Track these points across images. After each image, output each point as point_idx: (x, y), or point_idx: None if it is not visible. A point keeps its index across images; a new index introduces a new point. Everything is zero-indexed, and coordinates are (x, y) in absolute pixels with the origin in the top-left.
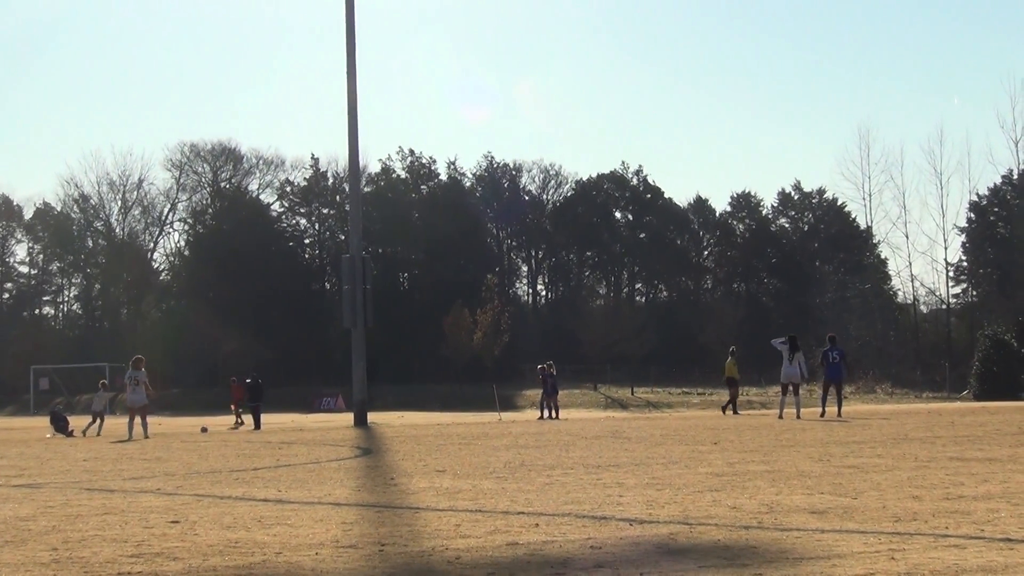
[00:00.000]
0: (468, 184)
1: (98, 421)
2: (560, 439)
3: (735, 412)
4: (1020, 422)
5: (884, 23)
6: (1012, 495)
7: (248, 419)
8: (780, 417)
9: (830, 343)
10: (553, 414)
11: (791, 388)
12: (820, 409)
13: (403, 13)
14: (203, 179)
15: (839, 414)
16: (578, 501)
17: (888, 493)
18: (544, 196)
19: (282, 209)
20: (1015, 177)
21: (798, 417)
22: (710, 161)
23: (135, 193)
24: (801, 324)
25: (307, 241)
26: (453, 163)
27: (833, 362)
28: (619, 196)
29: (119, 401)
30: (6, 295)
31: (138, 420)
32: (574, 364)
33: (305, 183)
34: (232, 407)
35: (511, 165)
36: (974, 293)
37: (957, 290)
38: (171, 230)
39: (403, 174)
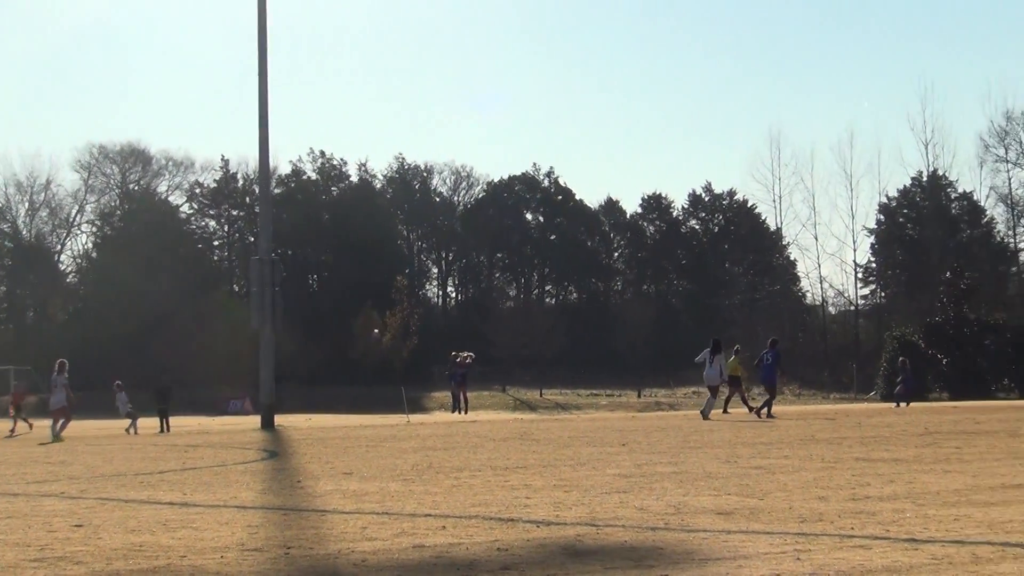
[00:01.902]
0: (379, 186)
1: (131, 421)
2: (468, 441)
3: (751, 409)
4: (926, 423)
5: (795, 25)
6: (917, 495)
7: (22, 426)
8: (725, 411)
9: (770, 346)
10: (462, 409)
11: (717, 389)
12: (748, 408)
13: (314, 13)
14: (112, 181)
15: (769, 414)
16: (485, 503)
17: (794, 494)
18: (455, 198)
19: (191, 211)
20: (924, 179)
21: (706, 417)
22: (621, 163)
23: (43, 195)
24: (710, 325)
25: (216, 243)
26: (364, 165)
27: (766, 363)
28: (530, 198)
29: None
30: None
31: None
32: (483, 366)
33: (215, 185)
34: (10, 412)
35: (422, 167)
36: (882, 294)
37: (865, 291)
38: (79, 232)
39: (314, 175)
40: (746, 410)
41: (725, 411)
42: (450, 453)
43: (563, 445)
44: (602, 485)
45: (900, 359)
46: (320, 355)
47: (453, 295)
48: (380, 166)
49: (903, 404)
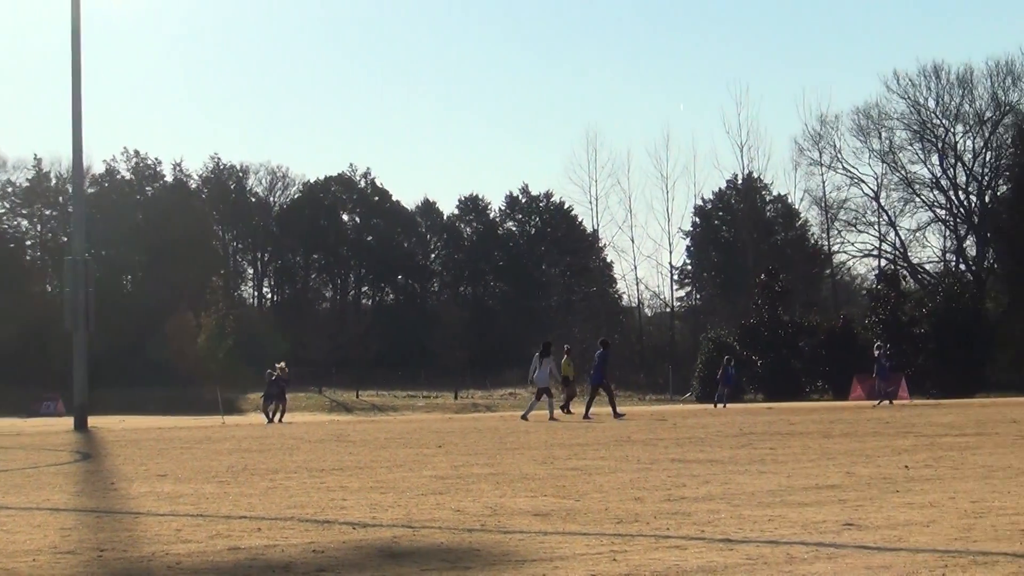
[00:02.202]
0: (194, 186)
1: None
2: (284, 443)
3: (567, 411)
4: (741, 424)
5: (610, 27)
6: (732, 496)
7: None
8: (552, 418)
9: (601, 346)
10: (276, 417)
11: (545, 391)
12: (584, 411)
13: (128, 10)
14: None
15: (585, 415)
16: (301, 505)
17: (610, 495)
18: (271, 198)
19: (3, 210)
20: (739, 181)
21: (551, 418)
22: (438, 164)
23: None
24: (527, 327)
25: (28, 243)
26: (179, 165)
27: (595, 364)
28: (347, 198)
29: None
30: None
31: None
32: (300, 367)
33: (27, 184)
34: None
35: (238, 167)
36: (698, 296)
37: (681, 293)
38: None
39: (128, 175)
40: (560, 411)
41: (586, 416)
42: (265, 455)
43: (379, 447)
44: (419, 487)
45: (726, 357)
46: (134, 356)
47: (269, 296)
48: (195, 166)
49: (721, 405)
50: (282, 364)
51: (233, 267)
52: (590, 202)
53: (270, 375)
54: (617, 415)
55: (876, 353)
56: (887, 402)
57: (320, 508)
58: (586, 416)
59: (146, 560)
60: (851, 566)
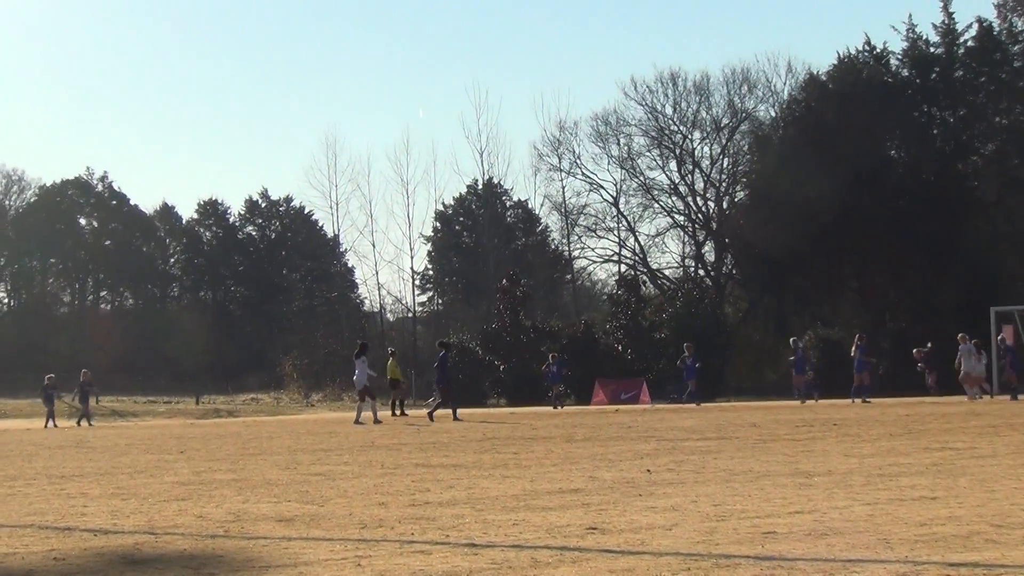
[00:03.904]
0: None
1: None
2: (22, 449)
3: (403, 413)
4: (484, 429)
5: (348, 30)
6: (476, 501)
7: None
8: (376, 421)
9: (442, 348)
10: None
11: (366, 393)
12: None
13: None
14: None
15: (429, 416)
16: (41, 512)
17: (355, 500)
18: (7, 202)
19: None
20: (480, 187)
21: (377, 421)
22: (177, 167)
23: None
24: (269, 332)
25: None
26: None
27: (438, 367)
28: (84, 202)
29: None
30: None
31: None
32: (38, 373)
33: None
34: None
35: None
36: (440, 301)
37: (423, 298)
38: None
39: None
40: (387, 414)
41: (404, 413)
42: (3, 462)
43: (120, 453)
44: (160, 493)
45: (552, 354)
46: None
47: (7, 301)
48: None
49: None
50: (86, 371)
51: None
52: (331, 207)
53: (47, 386)
54: (456, 418)
55: (685, 355)
56: (695, 404)
57: (61, 515)
58: (429, 417)
59: None
60: (595, 570)
